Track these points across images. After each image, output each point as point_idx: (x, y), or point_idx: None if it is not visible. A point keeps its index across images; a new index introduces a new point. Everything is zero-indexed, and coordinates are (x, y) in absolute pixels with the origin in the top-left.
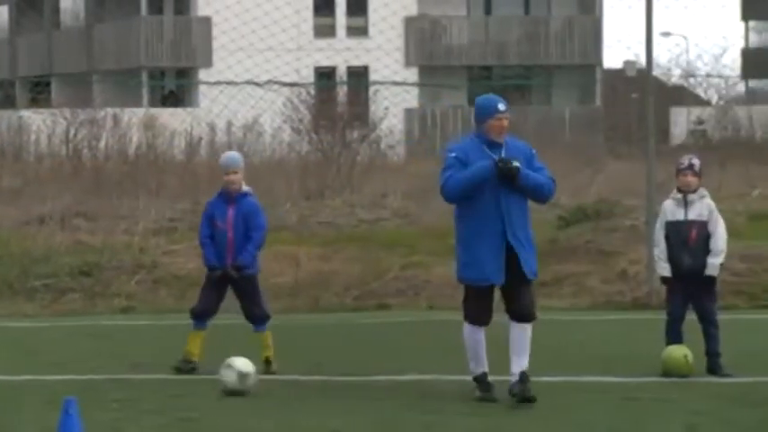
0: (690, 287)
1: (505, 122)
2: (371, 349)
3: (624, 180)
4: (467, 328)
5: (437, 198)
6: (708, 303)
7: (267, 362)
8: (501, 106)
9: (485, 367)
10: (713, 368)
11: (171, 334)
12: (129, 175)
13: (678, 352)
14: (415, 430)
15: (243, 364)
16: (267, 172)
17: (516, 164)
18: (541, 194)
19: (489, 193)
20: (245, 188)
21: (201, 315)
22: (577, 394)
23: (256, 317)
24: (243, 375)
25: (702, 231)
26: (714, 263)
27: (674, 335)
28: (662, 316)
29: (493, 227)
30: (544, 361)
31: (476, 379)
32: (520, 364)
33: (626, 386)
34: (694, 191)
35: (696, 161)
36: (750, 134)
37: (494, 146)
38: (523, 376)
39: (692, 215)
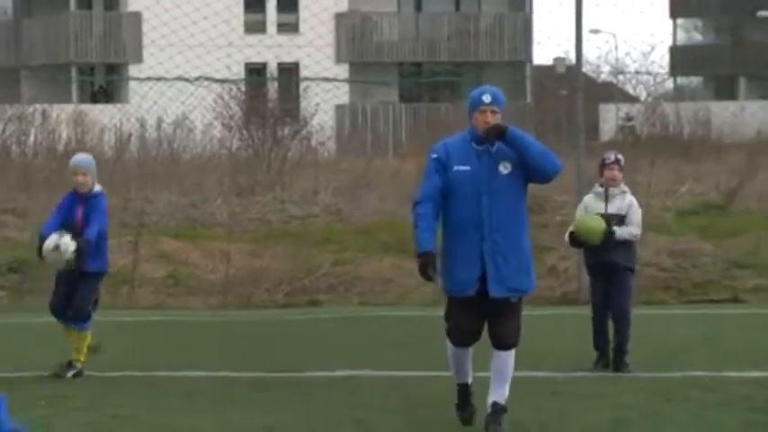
0: (606, 281)
1: (491, 116)
2: (303, 345)
3: None
4: (448, 347)
5: (368, 195)
6: (622, 299)
7: (71, 365)
8: (486, 98)
9: (466, 378)
10: (618, 364)
11: (99, 331)
12: (59, 171)
13: (596, 222)
14: (347, 426)
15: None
16: (198, 168)
17: (503, 128)
18: (543, 166)
19: (470, 194)
20: (96, 188)
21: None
22: None
23: (81, 313)
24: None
25: (621, 225)
26: (623, 230)
27: (599, 328)
28: (590, 311)
29: (469, 233)
30: (473, 356)
31: (457, 387)
32: (495, 393)
33: (555, 381)
34: (617, 185)
35: (620, 156)
36: (678, 131)
37: (483, 143)
38: (497, 408)
39: (611, 209)
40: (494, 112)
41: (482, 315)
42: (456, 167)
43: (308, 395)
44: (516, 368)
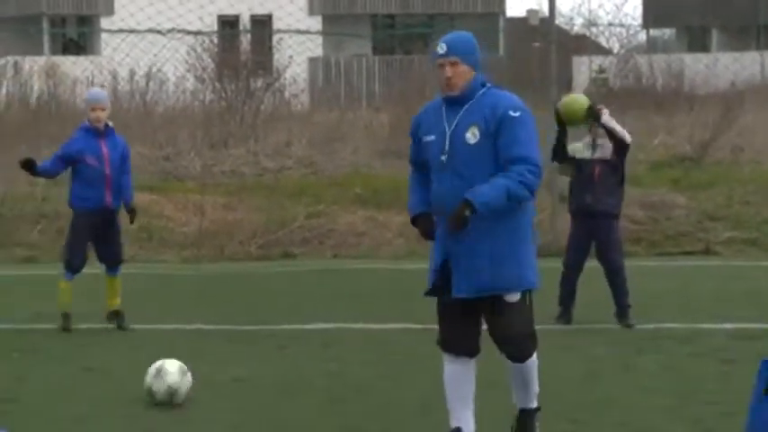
0: (589, 232)
1: (449, 69)
2: (277, 298)
3: None
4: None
5: (342, 147)
6: (612, 254)
7: (117, 313)
8: (440, 48)
9: (458, 421)
10: (624, 321)
11: (73, 283)
12: (31, 123)
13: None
14: (319, 379)
15: (173, 376)
16: (170, 121)
17: (466, 212)
18: (517, 203)
19: (436, 168)
20: (110, 123)
21: (72, 268)
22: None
23: (117, 258)
24: (173, 391)
25: (605, 169)
26: (610, 119)
27: (569, 284)
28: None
29: (440, 215)
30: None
31: None
32: (519, 398)
33: None
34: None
35: (603, 108)
36: (651, 83)
37: (452, 104)
38: (523, 416)
39: (597, 155)
40: (453, 64)
41: (469, 314)
42: (425, 138)
43: (282, 348)
44: None
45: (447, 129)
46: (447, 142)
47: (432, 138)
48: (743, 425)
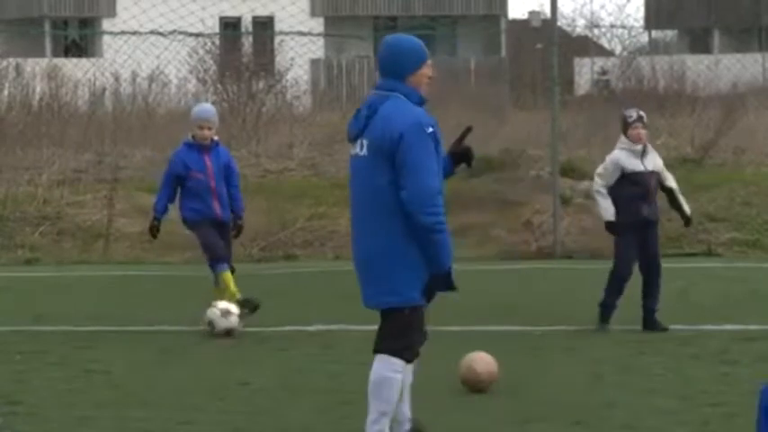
0: (639, 238)
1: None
2: (278, 300)
3: (529, 130)
4: None
5: (343, 149)
6: (657, 254)
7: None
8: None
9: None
10: (653, 324)
11: (75, 285)
12: (33, 125)
13: None
14: (321, 380)
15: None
16: (172, 123)
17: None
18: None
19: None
20: (216, 137)
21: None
22: (482, 344)
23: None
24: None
25: (656, 180)
26: (682, 201)
27: (621, 288)
28: (566, 265)
29: None
30: (449, 311)
31: None
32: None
33: (531, 335)
34: (644, 143)
35: (642, 113)
36: (653, 85)
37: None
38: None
39: (650, 166)
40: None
41: None
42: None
43: (283, 350)
44: (492, 323)
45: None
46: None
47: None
48: (747, 427)
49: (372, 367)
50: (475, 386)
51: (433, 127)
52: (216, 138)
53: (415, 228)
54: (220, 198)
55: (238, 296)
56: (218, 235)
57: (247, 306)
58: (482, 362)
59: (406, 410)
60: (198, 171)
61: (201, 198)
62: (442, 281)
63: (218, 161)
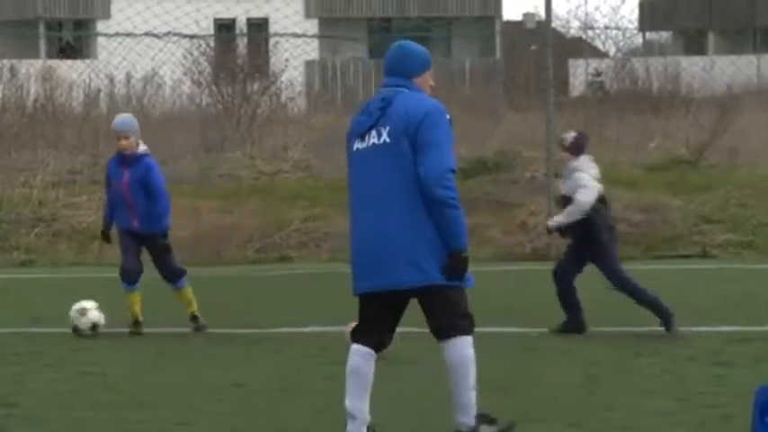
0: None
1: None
2: (274, 301)
3: (524, 132)
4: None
5: (338, 150)
6: (608, 269)
7: (194, 317)
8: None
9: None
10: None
11: (70, 287)
12: (27, 127)
13: None
14: (317, 381)
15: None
16: (167, 124)
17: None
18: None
19: None
20: (141, 149)
21: (125, 274)
22: (478, 345)
23: (176, 275)
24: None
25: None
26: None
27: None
28: None
29: None
30: None
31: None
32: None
33: (526, 336)
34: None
35: (568, 135)
36: (647, 86)
37: None
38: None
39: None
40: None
41: None
42: None
43: (279, 351)
44: (488, 323)
45: None
46: None
47: None
48: (743, 427)
49: (449, 351)
50: None
51: (449, 115)
52: (143, 149)
53: (429, 204)
54: (136, 210)
55: (140, 318)
56: (133, 248)
57: (136, 328)
58: None
59: (366, 408)
60: (116, 181)
61: (119, 209)
62: (459, 260)
63: (137, 174)
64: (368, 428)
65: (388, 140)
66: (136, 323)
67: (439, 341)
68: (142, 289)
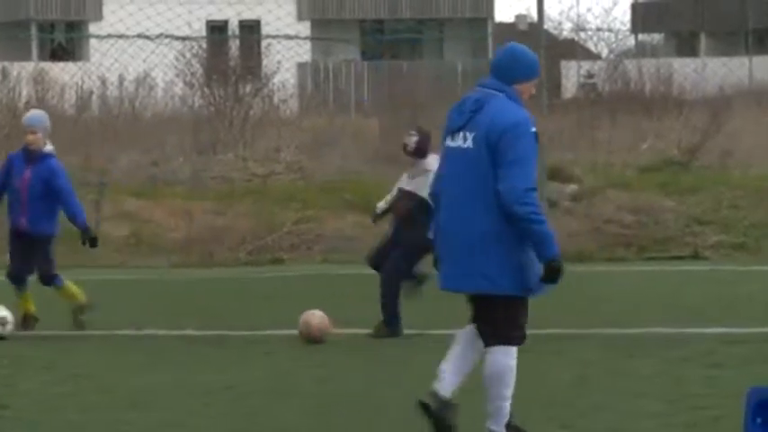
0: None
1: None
2: (265, 303)
3: None
4: (515, 362)
5: (330, 152)
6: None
7: (79, 310)
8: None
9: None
10: None
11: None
12: (19, 129)
13: None
14: (308, 384)
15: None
16: (159, 126)
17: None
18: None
19: None
20: (47, 148)
21: (12, 278)
22: None
23: (49, 277)
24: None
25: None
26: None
27: None
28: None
29: None
30: (437, 315)
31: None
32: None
33: None
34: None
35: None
36: (640, 88)
37: None
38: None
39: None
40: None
41: None
42: None
43: (270, 353)
44: None
45: None
46: None
47: None
48: (734, 429)
49: (491, 358)
50: (308, 337)
51: (535, 128)
52: (49, 149)
53: (510, 218)
54: (31, 212)
55: (33, 310)
56: (19, 250)
57: (28, 323)
58: (315, 317)
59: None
60: (17, 179)
61: (14, 207)
62: (552, 269)
63: (39, 174)
64: (448, 401)
65: (471, 147)
66: (26, 318)
67: (484, 346)
68: (133, 290)
